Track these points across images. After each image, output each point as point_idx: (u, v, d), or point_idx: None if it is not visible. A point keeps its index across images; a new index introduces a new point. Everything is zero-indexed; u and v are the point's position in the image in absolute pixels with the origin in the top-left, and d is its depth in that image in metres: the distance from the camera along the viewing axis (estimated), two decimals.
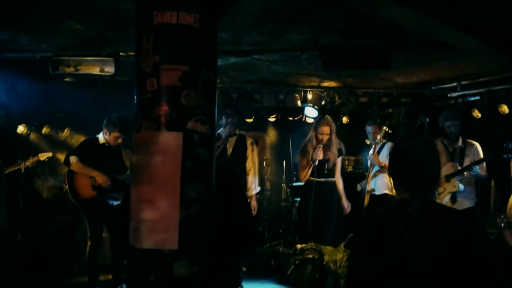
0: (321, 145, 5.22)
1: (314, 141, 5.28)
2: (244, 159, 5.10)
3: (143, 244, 2.40)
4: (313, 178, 5.25)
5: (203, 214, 2.44)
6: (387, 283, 1.69)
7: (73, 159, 4.72)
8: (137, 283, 2.45)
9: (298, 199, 7.04)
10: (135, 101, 2.50)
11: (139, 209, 2.42)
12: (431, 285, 1.65)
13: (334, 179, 5.35)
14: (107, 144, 4.90)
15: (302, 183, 5.52)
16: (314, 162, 5.16)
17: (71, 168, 4.74)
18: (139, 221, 2.42)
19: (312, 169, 5.23)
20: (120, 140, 4.88)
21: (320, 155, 5.14)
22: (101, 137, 4.91)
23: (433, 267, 1.66)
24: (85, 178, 4.74)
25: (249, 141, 5.21)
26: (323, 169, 5.26)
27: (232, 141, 5.08)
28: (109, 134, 4.84)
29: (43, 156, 5.45)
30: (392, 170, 1.88)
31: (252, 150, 5.19)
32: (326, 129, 5.26)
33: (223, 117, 4.96)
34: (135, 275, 2.46)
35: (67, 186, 4.74)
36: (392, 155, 1.91)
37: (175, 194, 2.38)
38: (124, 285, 4.72)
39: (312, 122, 6.39)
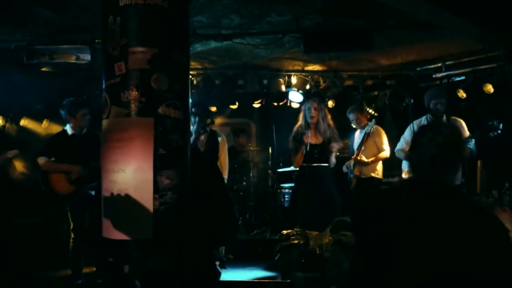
0: (311, 129, 5.09)
1: (304, 123, 5.15)
2: (217, 155, 5.09)
3: (116, 235, 2.31)
4: (305, 164, 5.08)
5: (178, 201, 2.35)
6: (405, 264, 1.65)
7: (40, 160, 4.62)
8: (112, 275, 2.36)
9: (285, 185, 7.00)
10: (103, 86, 2.39)
11: (111, 198, 2.32)
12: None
13: (326, 164, 5.10)
14: (76, 134, 4.78)
15: (292, 169, 5.41)
16: (305, 146, 5.00)
17: (42, 169, 4.64)
18: (111, 211, 2.32)
19: (304, 154, 5.06)
20: (88, 117, 4.74)
21: (309, 138, 4.98)
22: (68, 129, 4.79)
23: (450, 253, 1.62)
24: (61, 174, 4.63)
25: (220, 137, 5.22)
26: (314, 153, 5.06)
27: (203, 137, 5.02)
28: (75, 118, 4.71)
29: (11, 154, 5.30)
30: (413, 155, 1.85)
31: (224, 146, 5.21)
32: (313, 104, 5.09)
33: (191, 115, 4.86)
34: (109, 266, 2.37)
35: (44, 187, 4.65)
36: (412, 141, 1.89)
37: (148, 182, 2.28)
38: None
39: (298, 107, 6.30)
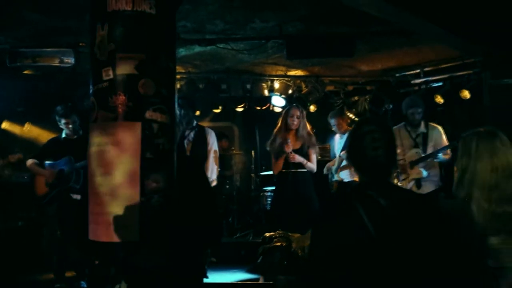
0: (290, 136, 5.11)
1: (283, 128, 5.18)
2: (205, 151, 4.92)
3: (102, 237, 2.34)
4: (285, 170, 5.08)
5: (164, 204, 2.39)
6: (343, 264, 1.70)
7: (28, 162, 4.91)
8: (98, 278, 2.39)
9: (268, 188, 7.05)
10: (91, 91, 2.42)
11: (97, 201, 2.36)
12: (389, 264, 1.66)
13: (305, 169, 5.13)
14: (68, 138, 4.95)
15: (271, 173, 5.40)
16: (286, 154, 5.02)
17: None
18: (98, 214, 2.35)
19: (285, 160, 5.08)
20: (71, 126, 4.89)
21: (290, 148, 5.00)
22: (63, 133, 4.99)
23: (395, 249, 1.67)
24: (42, 176, 4.85)
25: (208, 134, 5.03)
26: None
27: (190, 134, 4.87)
28: (61, 125, 4.92)
29: (13, 158, 5.49)
30: (350, 154, 1.91)
31: (214, 141, 5.04)
32: (296, 112, 5.11)
33: (177, 109, 4.74)
34: (95, 269, 2.40)
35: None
36: (349, 140, 1.93)
37: (135, 185, 2.32)
38: (83, 283, 4.70)
39: (281, 111, 6.35)
